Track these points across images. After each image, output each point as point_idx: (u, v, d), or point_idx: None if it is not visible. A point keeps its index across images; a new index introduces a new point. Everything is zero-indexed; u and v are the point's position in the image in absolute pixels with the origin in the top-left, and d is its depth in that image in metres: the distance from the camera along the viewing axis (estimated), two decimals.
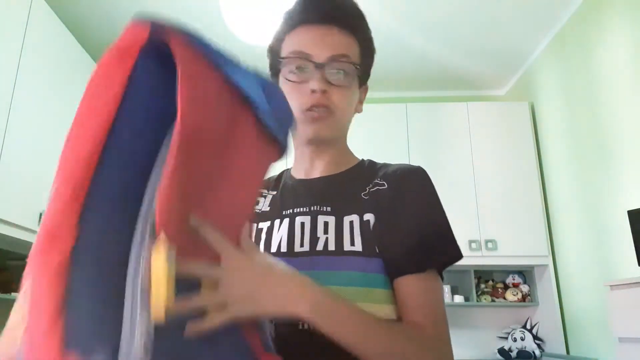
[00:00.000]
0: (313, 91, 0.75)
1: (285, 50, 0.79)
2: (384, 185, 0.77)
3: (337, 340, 0.59)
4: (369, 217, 0.74)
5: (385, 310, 0.69)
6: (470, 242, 2.92)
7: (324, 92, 0.75)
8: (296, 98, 0.76)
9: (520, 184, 3.05)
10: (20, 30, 2.06)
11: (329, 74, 0.76)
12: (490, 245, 2.94)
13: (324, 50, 0.76)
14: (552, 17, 2.79)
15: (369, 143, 2.49)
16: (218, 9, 2.65)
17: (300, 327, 0.66)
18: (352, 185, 0.80)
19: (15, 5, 2.04)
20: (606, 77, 2.36)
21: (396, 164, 0.82)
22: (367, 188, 0.78)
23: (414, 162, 3.26)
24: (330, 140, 0.81)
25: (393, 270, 0.71)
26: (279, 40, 0.82)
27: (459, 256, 0.73)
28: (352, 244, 0.72)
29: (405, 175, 0.78)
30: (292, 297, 0.57)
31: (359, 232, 0.72)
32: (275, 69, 0.83)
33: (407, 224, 0.73)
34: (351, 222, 0.74)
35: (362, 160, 0.86)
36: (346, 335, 0.59)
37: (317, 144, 0.81)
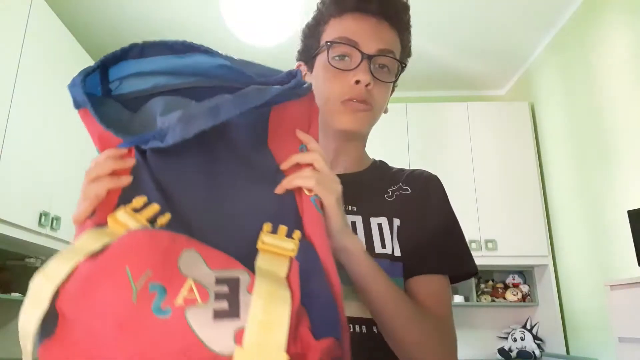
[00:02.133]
0: (357, 82, 0.71)
1: (330, 34, 0.75)
2: (408, 190, 0.78)
3: (371, 301, 0.61)
4: (396, 221, 0.75)
5: None
6: (470, 242, 2.92)
7: (367, 85, 0.71)
8: (337, 87, 0.73)
9: (520, 184, 3.04)
10: (20, 30, 2.06)
11: (374, 68, 0.73)
12: (490, 245, 2.94)
13: (373, 42, 0.72)
14: (552, 17, 2.79)
15: (368, 143, 2.48)
16: (218, 9, 2.65)
17: (375, 331, 0.66)
18: (374, 185, 0.79)
19: (15, 5, 2.04)
20: (606, 77, 2.36)
21: (413, 169, 0.83)
22: (390, 190, 0.78)
23: (414, 162, 3.25)
24: (360, 135, 0.79)
25: (410, 270, 0.72)
26: (321, 22, 0.77)
27: (475, 272, 0.75)
28: (383, 246, 0.72)
29: (428, 183, 0.80)
30: (350, 232, 0.60)
31: (389, 235, 0.73)
32: (312, 52, 0.79)
33: (433, 229, 0.75)
34: (379, 225, 0.74)
35: (375, 159, 0.86)
36: (382, 297, 0.61)
37: (348, 137, 0.77)
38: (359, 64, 0.71)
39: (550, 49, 2.98)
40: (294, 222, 0.51)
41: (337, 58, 0.73)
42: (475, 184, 3.06)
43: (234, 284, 0.38)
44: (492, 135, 3.16)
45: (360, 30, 0.73)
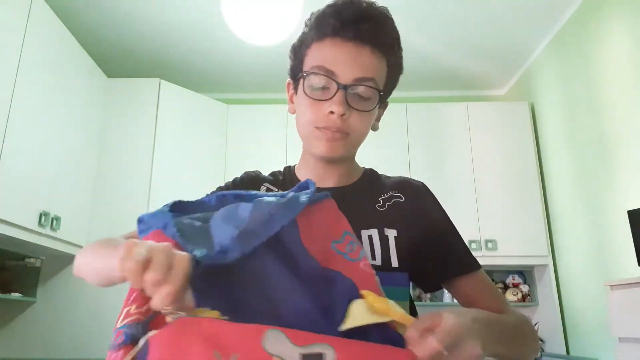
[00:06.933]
0: (331, 112, 0.72)
1: (310, 60, 0.76)
2: (401, 198, 0.79)
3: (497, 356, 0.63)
4: (389, 232, 0.75)
5: None
6: (470, 242, 2.92)
7: (342, 115, 0.72)
8: (312, 114, 0.74)
9: (520, 184, 3.04)
10: (20, 30, 2.06)
11: (351, 97, 0.73)
12: (490, 245, 2.94)
13: (350, 71, 0.72)
14: (552, 17, 2.79)
15: (369, 143, 2.46)
16: (219, 8, 2.65)
17: None
18: (364, 197, 0.80)
19: (15, 5, 2.04)
20: (606, 77, 2.36)
21: (399, 177, 0.85)
22: (380, 199, 0.79)
23: (414, 163, 3.22)
24: (340, 159, 0.80)
25: (450, 272, 0.76)
26: (305, 45, 0.77)
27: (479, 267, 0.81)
28: (373, 258, 0.73)
29: (420, 189, 0.82)
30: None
31: (379, 246, 0.74)
32: (296, 74, 0.80)
33: (444, 232, 0.78)
34: (370, 236, 0.74)
35: (365, 168, 0.87)
36: (504, 349, 0.63)
37: (328, 161, 0.79)
38: (334, 95, 0.72)
39: (550, 49, 2.98)
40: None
41: (314, 87, 0.74)
42: (475, 184, 3.06)
43: (317, 359, 0.40)
44: (492, 135, 3.15)
45: (337, 58, 0.72)
